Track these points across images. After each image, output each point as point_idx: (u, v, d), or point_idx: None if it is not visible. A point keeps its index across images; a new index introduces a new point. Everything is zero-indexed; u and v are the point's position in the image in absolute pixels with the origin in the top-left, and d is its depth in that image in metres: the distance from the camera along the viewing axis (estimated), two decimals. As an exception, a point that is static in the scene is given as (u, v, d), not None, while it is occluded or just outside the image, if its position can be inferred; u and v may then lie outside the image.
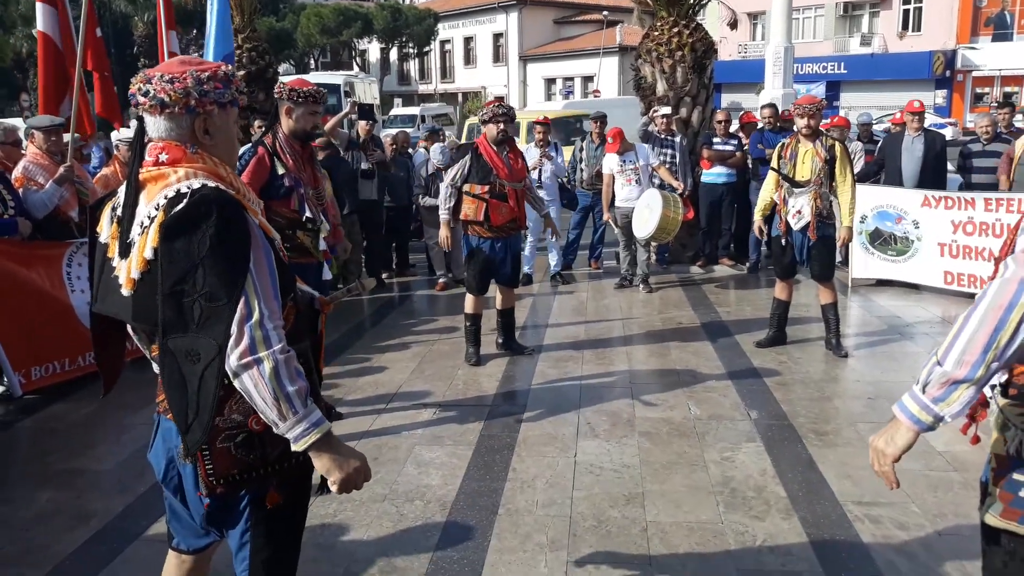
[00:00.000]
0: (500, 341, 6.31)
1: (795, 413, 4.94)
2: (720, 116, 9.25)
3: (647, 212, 7.63)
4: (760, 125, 9.17)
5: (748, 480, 4.05)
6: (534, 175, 8.62)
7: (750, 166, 9.19)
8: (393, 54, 47.75)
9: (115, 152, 6.62)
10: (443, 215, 5.90)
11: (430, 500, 3.92)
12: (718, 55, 10.93)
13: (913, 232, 7.86)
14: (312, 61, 42.88)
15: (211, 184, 1.86)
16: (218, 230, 1.76)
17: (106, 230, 2.03)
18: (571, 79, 40.92)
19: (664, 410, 5.03)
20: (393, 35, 42.89)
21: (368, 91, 21.19)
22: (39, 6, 6.41)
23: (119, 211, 1.95)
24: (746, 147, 9.21)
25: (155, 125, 1.94)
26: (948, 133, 17.38)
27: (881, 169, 8.70)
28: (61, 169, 5.51)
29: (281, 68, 18.79)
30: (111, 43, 29.27)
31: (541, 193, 8.64)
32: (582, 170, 9.25)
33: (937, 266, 7.73)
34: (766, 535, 3.53)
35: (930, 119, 18.33)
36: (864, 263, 8.23)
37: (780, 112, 9.18)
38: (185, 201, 1.80)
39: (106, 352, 2.54)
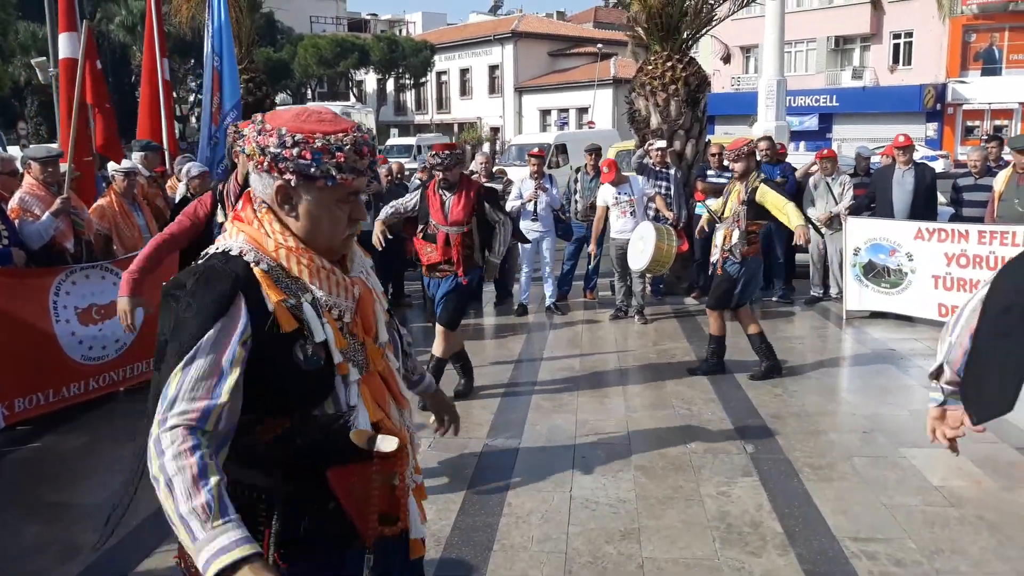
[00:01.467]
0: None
1: (791, 447, 4.92)
2: (714, 149, 9.32)
3: (641, 244, 7.66)
4: (758, 158, 9.21)
5: (744, 515, 4.02)
6: (529, 207, 8.67)
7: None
8: (390, 85, 48.14)
9: (112, 183, 6.63)
10: (378, 219, 5.98)
11: (424, 536, 3.87)
12: (711, 88, 11.03)
13: (907, 264, 7.89)
14: (309, 91, 43.17)
15: (234, 253, 1.66)
16: (191, 294, 1.59)
17: None
18: (566, 111, 41.24)
19: (659, 444, 5.01)
20: (390, 66, 43.29)
21: (364, 121, 21.34)
22: (62, 36, 6.57)
23: None
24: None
25: (249, 174, 1.76)
26: (939, 166, 17.51)
27: (873, 202, 8.76)
28: (57, 201, 5.51)
29: (278, 98, 18.88)
30: (109, 72, 29.51)
31: (536, 224, 8.71)
32: (576, 201, 9.30)
33: (931, 298, 7.75)
34: (763, 571, 3.50)
35: (922, 152, 18.50)
36: (858, 295, 8.25)
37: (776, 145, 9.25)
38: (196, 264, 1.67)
39: None
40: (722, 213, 6.34)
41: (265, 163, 1.63)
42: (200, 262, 1.65)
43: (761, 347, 6.37)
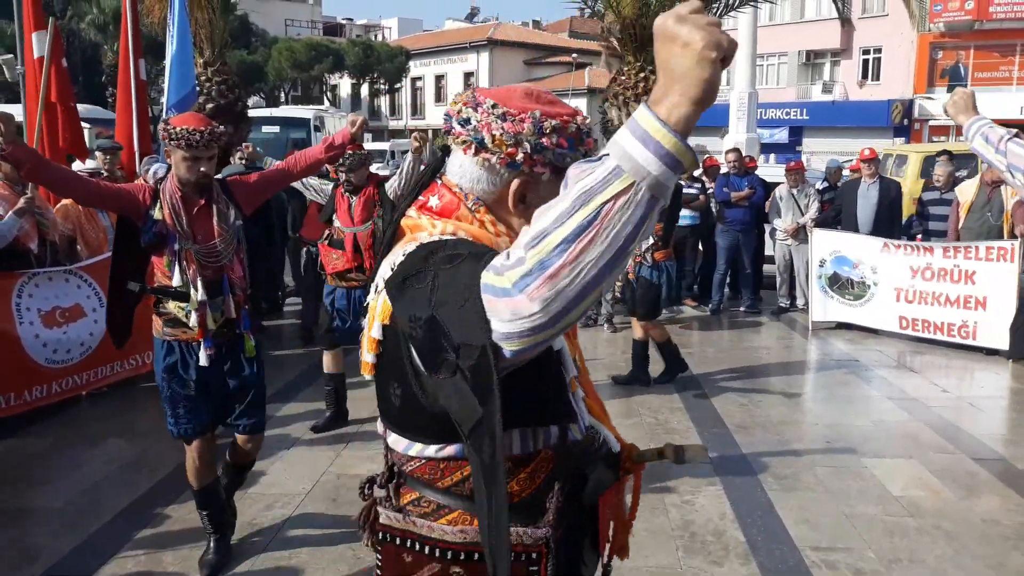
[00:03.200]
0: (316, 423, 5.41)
1: (755, 456, 4.97)
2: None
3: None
4: (725, 169, 9.33)
5: (708, 524, 4.06)
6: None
7: (714, 209, 9.35)
8: (364, 90, 47.99)
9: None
10: None
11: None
12: (683, 100, 11.13)
13: (871, 277, 8.01)
14: (283, 95, 42.92)
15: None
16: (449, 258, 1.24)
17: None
18: (540, 119, 41.39)
19: (626, 452, 5.02)
20: (365, 71, 43.13)
21: (338, 126, 21.21)
22: (34, 35, 6.44)
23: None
24: (710, 190, 9.37)
25: (460, 165, 1.42)
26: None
27: (839, 215, 8.89)
28: (21, 200, 5.43)
29: (251, 101, 18.76)
30: (79, 72, 29.11)
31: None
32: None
33: (892, 311, 7.87)
34: (724, 580, 3.53)
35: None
36: (823, 307, 8.36)
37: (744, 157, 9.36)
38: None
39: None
40: None
41: (519, 155, 1.35)
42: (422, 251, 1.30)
43: (641, 353, 6.48)
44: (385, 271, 1.36)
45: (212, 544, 3.62)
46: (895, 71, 30.78)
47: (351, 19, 63.26)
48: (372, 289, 1.42)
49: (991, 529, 4.02)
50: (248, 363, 3.61)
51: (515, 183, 1.39)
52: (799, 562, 3.67)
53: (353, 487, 4.48)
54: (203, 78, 10.01)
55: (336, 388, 5.51)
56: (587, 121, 1.42)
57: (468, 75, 44.90)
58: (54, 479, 4.66)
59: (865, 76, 32.12)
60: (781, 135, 31.92)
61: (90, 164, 6.86)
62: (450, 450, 1.40)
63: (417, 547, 1.45)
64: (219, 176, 3.84)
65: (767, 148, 22.12)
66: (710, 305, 9.38)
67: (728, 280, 9.50)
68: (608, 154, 1.04)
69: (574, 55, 39.00)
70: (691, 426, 5.50)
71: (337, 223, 5.30)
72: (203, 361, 3.44)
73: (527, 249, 1.05)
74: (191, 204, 3.39)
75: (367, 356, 1.42)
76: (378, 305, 1.36)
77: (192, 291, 3.38)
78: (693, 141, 1.09)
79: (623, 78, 10.24)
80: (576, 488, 1.48)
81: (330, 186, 5.51)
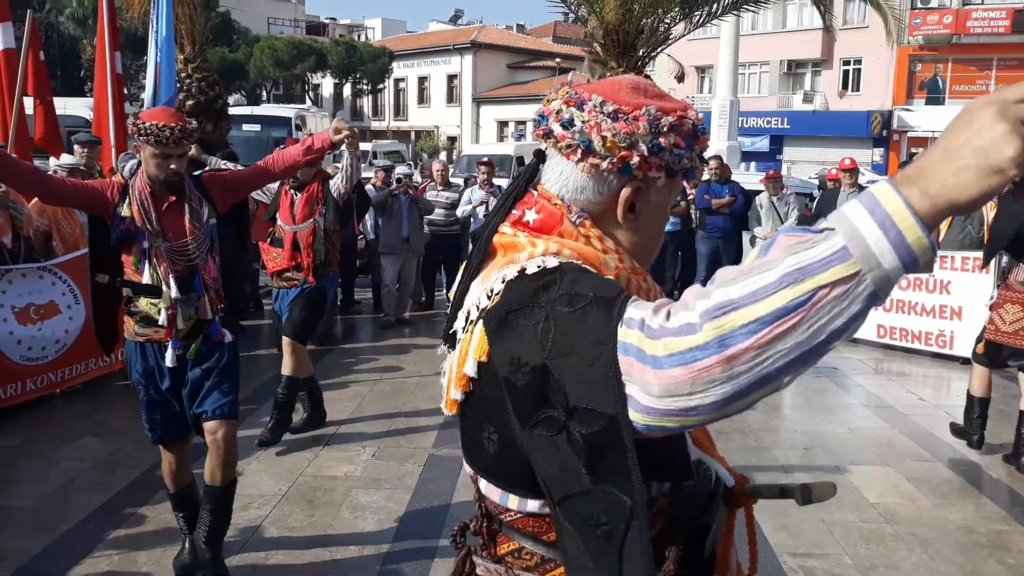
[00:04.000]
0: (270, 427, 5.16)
1: (734, 462, 4.92)
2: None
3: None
4: (706, 176, 9.37)
5: (686, 529, 4.05)
6: (480, 211, 8.69)
7: (695, 216, 9.40)
8: (347, 90, 47.79)
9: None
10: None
11: (365, 545, 3.83)
12: (666, 106, 11.18)
13: (850, 285, 8.06)
14: (264, 93, 42.67)
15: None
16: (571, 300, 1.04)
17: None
18: (523, 122, 41.40)
19: (605, 456, 5.02)
20: (347, 71, 42.96)
21: (320, 126, 21.11)
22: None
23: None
24: (691, 197, 9.42)
25: (561, 173, 1.24)
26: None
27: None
28: (-6, 194, 5.35)
29: (232, 99, 18.62)
30: (58, 66, 28.77)
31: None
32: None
33: (870, 319, 7.91)
34: (702, 585, 3.52)
35: (869, 176, 18.95)
36: (803, 314, 8.39)
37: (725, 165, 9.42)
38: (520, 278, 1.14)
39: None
40: None
41: (633, 158, 1.17)
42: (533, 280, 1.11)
43: None
44: (478, 298, 1.19)
45: (187, 545, 3.57)
46: (875, 82, 31.12)
47: (334, 19, 63.07)
48: (461, 316, 1.24)
49: (966, 536, 4.05)
50: (213, 352, 3.40)
51: (626, 191, 1.21)
52: (777, 568, 3.68)
53: (331, 488, 4.45)
54: (183, 74, 9.92)
55: (310, 392, 5.43)
56: (700, 116, 1.24)
57: (451, 77, 44.88)
58: (25, 478, 4.58)
59: (845, 87, 32.44)
60: (762, 143, 32.17)
61: (68, 159, 6.76)
62: None
63: None
64: (196, 172, 3.77)
65: (748, 156, 22.26)
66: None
67: (708, 286, 9.54)
68: (833, 228, 0.86)
69: (557, 60, 39.10)
70: (670, 431, 5.51)
71: (279, 221, 5.18)
72: (169, 362, 3.30)
73: (705, 318, 0.88)
74: (161, 201, 3.26)
75: (454, 393, 1.22)
76: (474, 337, 1.16)
77: (164, 287, 3.25)
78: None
79: (607, 83, 10.26)
80: (693, 534, 1.30)
81: (275, 186, 5.30)
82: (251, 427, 5.22)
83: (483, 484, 1.27)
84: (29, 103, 6.75)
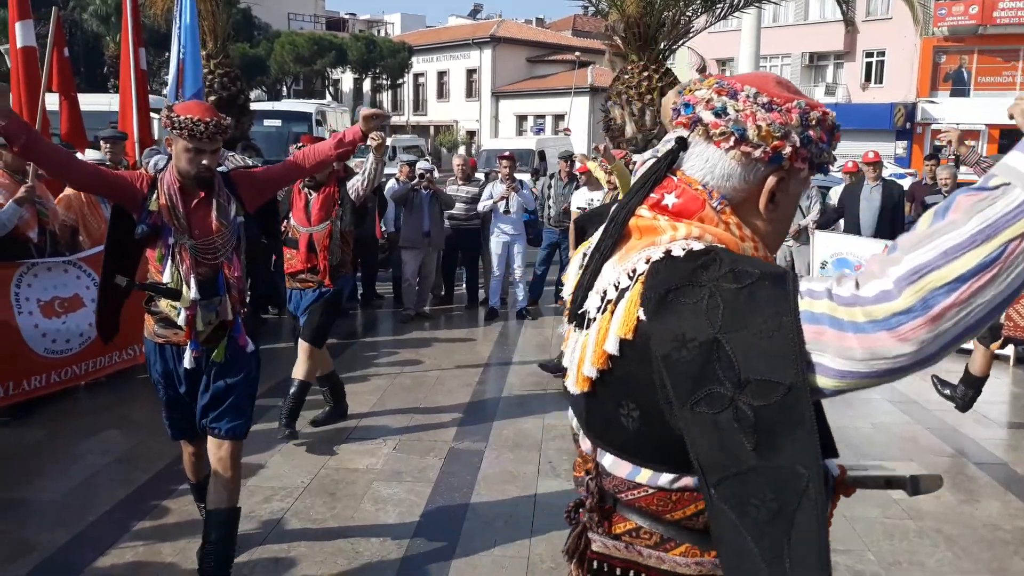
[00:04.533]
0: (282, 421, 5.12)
1: (755, 457, 4.94)
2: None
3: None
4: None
5: (707, 524, 4.04)
6: (500, 205, 8.69)
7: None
8: (366, 85, 47.92)
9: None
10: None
11: (387, 538, 3.85)
12: (687, 99, 11.12)
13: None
14: (284, 89, 42.87)
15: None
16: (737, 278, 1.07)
17: (570, 280, 1.39)
18: (542, 117, 41.32)
19: (625, 451, 5.01)
20: (367, 66, 43.07)
21: (340, 121, 21.16)
22: (19, 24, 6.39)
23: (587, 257, 1.33)
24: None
25: (706, 160, 1.27)
26: (908, 183, 17.80)
27: (841, 217, 8.88)
28: (22, 189, 5.41)
29: (253, 95, 18.74)
30: (81, 63, 29.06)
31: (507, 227, 8.73)
32: (549, 207, 9.32)
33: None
34: (724, 580, 3.51)
35: (891, 169, 18.78)
36: (825, 309, 8.33)
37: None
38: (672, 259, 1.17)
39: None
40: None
41: (786, 148, 1.22)
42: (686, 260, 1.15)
43: None
44: (617, 278, 1.22)
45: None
46: (898, 74, 30.78)
47: (354, 14, 63.19)
48: (594, 296, 1.26)
49: (991, 534, 4.00)
50: (237, 364, 3.34)
51: (771, 180, 1.25)
52: (799, 563, 3.65)
53: (352, 481, 4.47)
54: (205, 71, 9.99)
55: (332, 386, 5.45)
56: (835, 114, 1.29)
57: (471, 71, 44.86)
58: (51, 470, 4.64)
59: (868, 79, 32.12)
60: (783, 136, 31.89)
61: (93, 155, 6.83)
62: (687, 481, 1.22)
63: None
64: (223, 168, 3.72)
65: (769, 149, 22.06)
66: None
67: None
68: (1008, 183, 0.92)
69: (577, 53, 38.94)
70: (691, 426, 5.48)
71: (293, 222, 5.07)
72: (187, 364, 3.24)
73: (902, 284, 0.94)
74: (189, 196, 3.20)
75: (589, 371, 1.23)
76: (616, 316, 1.18)
77: (184, 288, 3.17)
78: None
79: (626, 77, 10.21)
80: None
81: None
82: (272, 420, 5.25)
83: (608, 460, 1.30)
84: (53, 99, 6.84)
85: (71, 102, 6.88)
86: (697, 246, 1.16)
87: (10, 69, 6.72)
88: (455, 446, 5.06)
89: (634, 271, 1.19)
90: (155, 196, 3.17)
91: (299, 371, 5.11)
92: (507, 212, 8.69)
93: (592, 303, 1.26)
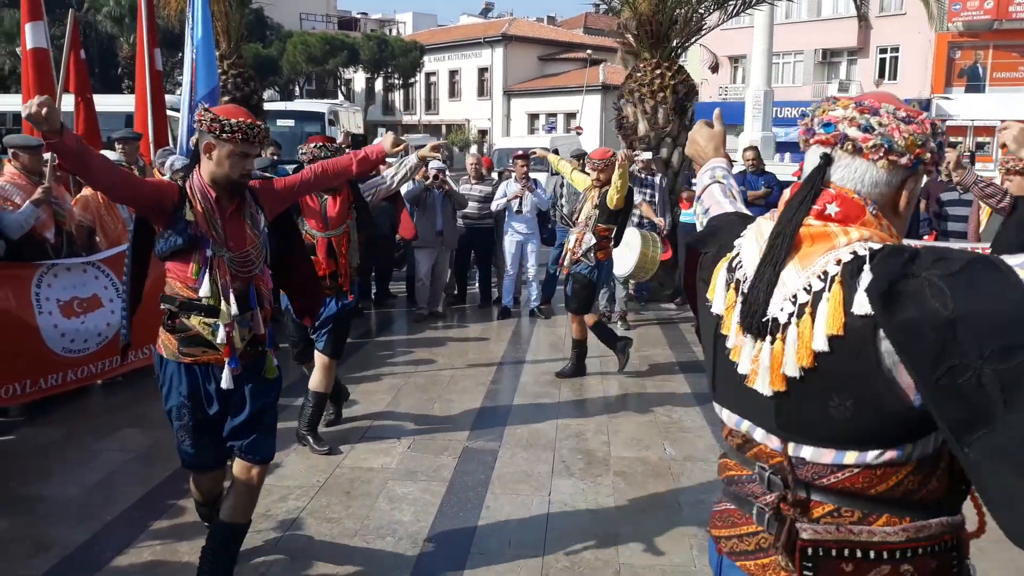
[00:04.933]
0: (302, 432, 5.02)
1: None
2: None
3: (626, 250, 7.68)
4: (742, 167, 9.28)
5: (722, 523, 4.03)
6: (514, 204, 8.68)
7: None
8: (378, 84, 48.03)
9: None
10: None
11: (402, 537, 3.86)
12: (699, 96, 11.10)
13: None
14: (297, 88, 43.01)
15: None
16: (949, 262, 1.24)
17: (719, 295, 1.54)
18: (554, 115, 41.30)
19: (639, 450, 5.02)
20: (379, 66, 43.18)
21: (352, 120, 21.22)
22: (29, 25, 6.43)
23: (744, 270, 1.50)
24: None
25: (856, 170, 1.43)
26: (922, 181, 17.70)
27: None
28: (39, 190, 5.46)
29: (266, 95, 18.81)
30: (95, 64, 29.23)
31: (521, 226, 8.73)
32: (562, 206, 9.31)
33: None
34: (739, 580, 3.50)
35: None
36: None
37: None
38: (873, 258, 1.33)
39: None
40: (576, 217, 6.64)
41: (927, 155, 1.40)
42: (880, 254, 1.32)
43: (603, 335, 6.71)
44: (807, 282, 1.36)
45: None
46: (912, 70, 30.58)
47: (365, 13, 63.33)
48: (781, 301, 1.39)
49: (1009, 533, 3.97)
50: (268, 385, 3.24)
51: (910, 184, 1.44)
52: (814, 563, 3.64)
53: (367, 480, 4.49)
54: (219, 71, 10.04)
55: (338, 393, 5.44)
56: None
57: (482, 70, 44.89)
58: (69, 468, 4.68)
59: (882, 75, 31.92)
60: (796, 134, 31.78)
61: (108, 155, 6.88)
62: (891, 454, 1.36)
63: (859, 554, 1.40)
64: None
65: (782, 147, 22.02)
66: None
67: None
68: None
69: (589, 51, 38.87)
70: (705, 425, 5.48)
71: (308, 228, 4.86)
72: (226, 383, 3.05)
73: None
74: (224, 207, 3.04)
75: (792, 371, 1.36)
76: (819, 315, 1.33)
77: (224, 304, 3.00)
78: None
79: (639, 75, 10.18)
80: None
81: None
82: (291, 419, 5.28)
83: (809, 451, 1.41)
84: (68, 100, 6.88)
85: (87, 103, 6.93)
86: (875, 246, 1.33)
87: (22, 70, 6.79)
88: (469, 445, 5.08)
89: (824, 273, 1.35)
90: (187, 206, 2.99)
91: (319, 384, 5.01)
92: (520, 212, 8.69)
93: (783, 309, 1.39)
